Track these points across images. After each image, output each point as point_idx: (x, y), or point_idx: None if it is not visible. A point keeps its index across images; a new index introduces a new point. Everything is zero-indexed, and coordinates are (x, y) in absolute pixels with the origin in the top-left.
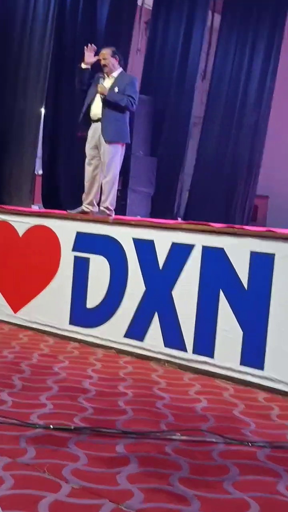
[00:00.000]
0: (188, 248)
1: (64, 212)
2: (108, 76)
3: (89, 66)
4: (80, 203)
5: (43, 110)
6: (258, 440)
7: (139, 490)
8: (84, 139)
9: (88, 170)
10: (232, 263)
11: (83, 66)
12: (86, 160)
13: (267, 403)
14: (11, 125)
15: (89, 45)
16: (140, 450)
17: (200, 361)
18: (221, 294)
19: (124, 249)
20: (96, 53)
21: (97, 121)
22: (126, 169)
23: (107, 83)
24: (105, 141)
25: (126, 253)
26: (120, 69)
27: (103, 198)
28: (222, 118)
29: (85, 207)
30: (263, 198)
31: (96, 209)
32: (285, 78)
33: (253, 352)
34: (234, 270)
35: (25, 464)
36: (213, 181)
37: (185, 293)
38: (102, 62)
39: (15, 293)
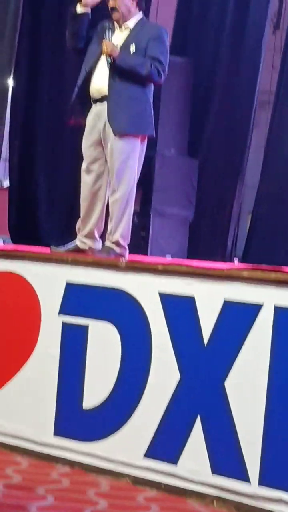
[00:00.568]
0: (252, 309)
1: (47, 250)
2: (120, 27)
3: (88, 10)
4: (72, 235)
5: (10, 83)
6: None
7: None
8: (79, 130)
9: (87, 181)
10: None
11: (79, 10)
12: (83, 165)
13: None
14: None
15: None
16: None
17: (273, 499)
18: None
19: (145, 311)
20: None
21: (100, 100)
22: (148, 178)
23: (117, 37)
24: (114, 133)
25: (149, 318)
26: (139, 15)
27: (110, 227)
28: None
29: (80, 241)
30: None
31: (98, 244)
32: None
33: None
34: None
35: None
36: None
37: (247, 384)
38: (111, 3)
39: None
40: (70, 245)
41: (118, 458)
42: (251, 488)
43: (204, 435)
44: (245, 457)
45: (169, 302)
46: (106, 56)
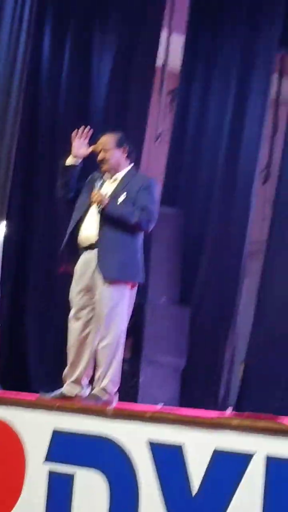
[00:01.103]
0: (243, 458)
1: (34, 396)
2: (110, 178)
3: (78, 162)
4: (62, 381)
5: (2, 228)
6: None
7: None
8: (68, 277)
9: (75, 327)
10: None
11: (70, 161)
12: (72, 312)
13: None
14: None
15: (81, 128)
16: None
17: None
18: None
19: (133, 459)
20: (91, 141)
21: (89, 248)
22: (138, 326)
23: (107, 188)
24: (103, 279)
25: (137, 467)
26: (129, 167)
27: (98, 373)
28: None
29: (68, 388)
30: None
31: (86, 391)
32: None
33: None
34: None
35: None
36: (284, 348)
37: None
38: (101, 155)
39: None
40: (57, 392)
41: None
42: None
43: None
44: None
45: (157, 450)
46: (95, 205)
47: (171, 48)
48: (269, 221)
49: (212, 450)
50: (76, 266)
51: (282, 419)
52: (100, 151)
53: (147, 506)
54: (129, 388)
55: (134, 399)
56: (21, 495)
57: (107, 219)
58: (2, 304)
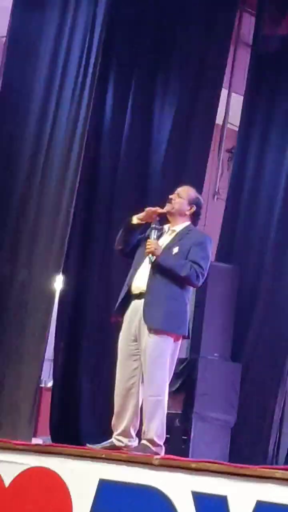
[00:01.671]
0: (286, 510)
1: (82, 447)
2: (168, 229)
3: (143, 223)
4: (110, 434)
5: (58, 284)
6: None
7: None
8: (120, 328)
9: (121, 377)
10: None
11: (135, 221)
12: (118, 361)
13: None
14: (6, 308)
15: (156, 208)
16: None
17: None
18: None
19: (178, 509)
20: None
21: (139, 296)
22: (191, 381)
23: (163, 239)
24: (148, 329)
25: None
26: (187, 222)
27: (145, 425)
28: None
29: (116, 439)
30: None
31: (134, 442)
32: None
33: None
34: None
35: None
36: None
37: None
38: (168, 207)
39: None
40: (106, 443)
41: None
42: None
43: None
44: None
45: (201, 501)
46: (149, 255)
47: (231, 106)
48: None
49: (255, 501)
50: (125, 313)
51: None
52: (170, 201)
53: None
54: (180, 443)
55: (186, 455)
56: None
57: (158, 269)
58: (56, 358)
